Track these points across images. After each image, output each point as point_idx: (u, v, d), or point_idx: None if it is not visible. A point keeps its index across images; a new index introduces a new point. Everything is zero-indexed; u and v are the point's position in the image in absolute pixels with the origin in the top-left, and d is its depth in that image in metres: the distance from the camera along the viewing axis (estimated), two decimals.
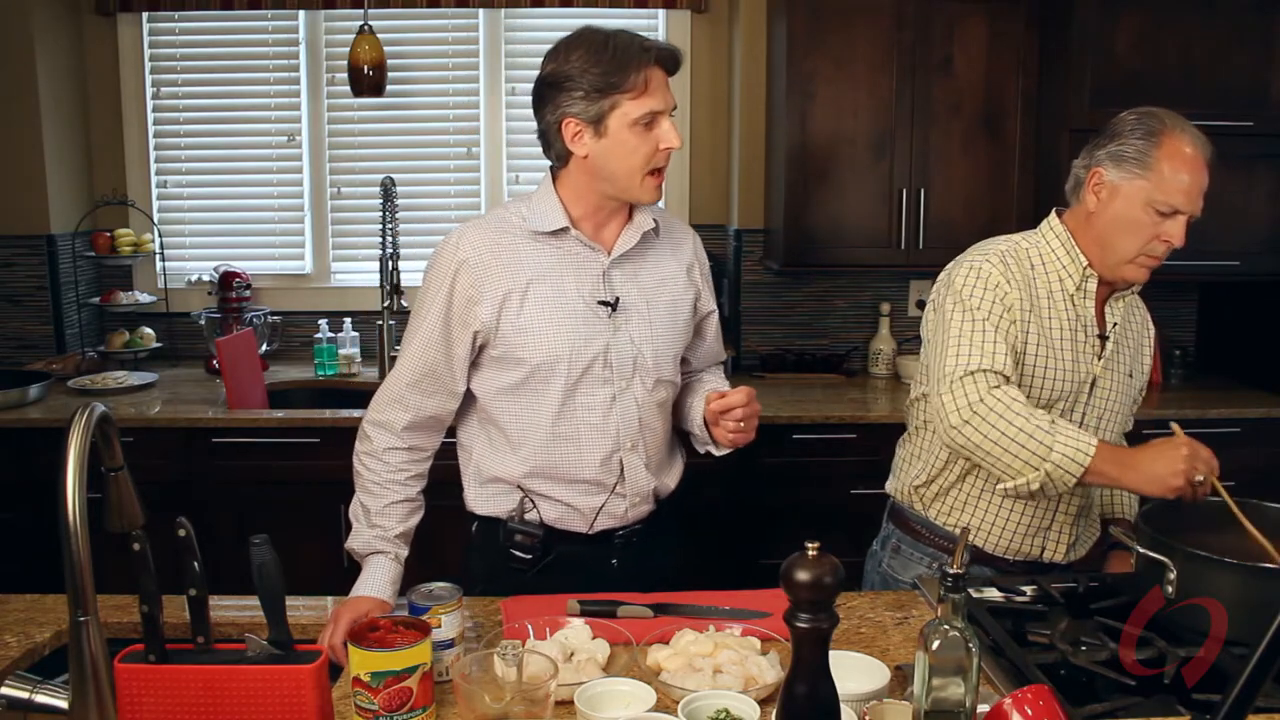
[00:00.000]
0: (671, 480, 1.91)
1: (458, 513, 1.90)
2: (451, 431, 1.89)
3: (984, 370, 1.76)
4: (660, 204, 4.18)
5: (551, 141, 1.73)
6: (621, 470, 1.79)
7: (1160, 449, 1.68)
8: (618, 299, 1.76)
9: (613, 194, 1.74)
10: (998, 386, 1.75)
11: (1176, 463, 1.65)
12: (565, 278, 1.74)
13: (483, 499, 1.84)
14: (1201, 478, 1.65)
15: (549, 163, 1.79)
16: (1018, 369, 1.83)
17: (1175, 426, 1.73)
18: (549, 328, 1.72)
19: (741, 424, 1.75)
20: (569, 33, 1.71)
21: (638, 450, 1.80)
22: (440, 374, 1.77)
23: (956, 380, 1.76)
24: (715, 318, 1.97)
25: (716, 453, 1.89)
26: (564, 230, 1.75)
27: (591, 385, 1.75)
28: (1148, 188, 1.76)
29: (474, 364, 1.79)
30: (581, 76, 1.65)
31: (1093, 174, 1.83)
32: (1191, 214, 1.78)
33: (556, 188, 1.77)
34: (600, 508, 1.80)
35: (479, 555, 1.87)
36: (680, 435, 1.98)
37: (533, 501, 1.79)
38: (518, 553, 1.79)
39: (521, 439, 1.77)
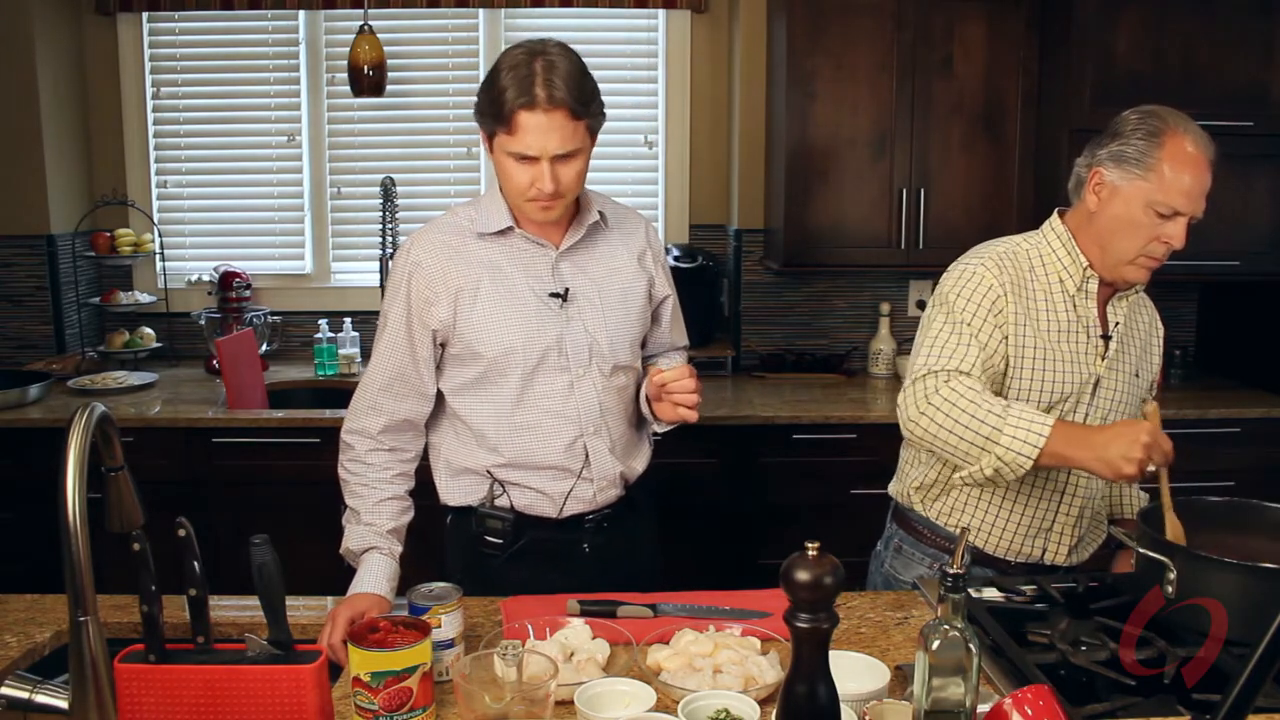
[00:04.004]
0: (639, 465, 1.94)
1: None
2: None
3: (947, 370, 1.75)
4: (659, 203, 4.14)
5: None
6: (586, 455, 1.83)
7: (1121, 433, 1.63)
8: (567, 290, 1.81)
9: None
10: (950, 380, 1.74)
11: (1134, 450, 1.60)
12: (514, 274, 1.80)
13: (454, 491, 1.88)
14: (1154, 468, 1.62)
15: None
16: (1014, 372, 1.82)
17: (1152, 407, 1.70)
18: (501, 322, 1.77)
19: (694, 394, 1.76)
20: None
21: (601, 435, 1.84)
22: (409, 376, 1.81)
23: (919, 378, 1.77)
24: (671, 303, 2.01)
25: (659, 429, 1.93)
26: (509, 229, 1.80)
27: (549, 374, 1.79)
28: (1148, 189, 1.75)
29: (437, 363, 1.84)
30: (482, 94, 1.71)
31: (1094, 174, 1.82)
32: (1192, 215, 1.76)
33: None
34: (568, 493, 1.84)
35: (454, 546, 1.91)
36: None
37: (502, 487, 1.83)
38: (489, 538, 1.83)
39: (485, 431, 1.82)
